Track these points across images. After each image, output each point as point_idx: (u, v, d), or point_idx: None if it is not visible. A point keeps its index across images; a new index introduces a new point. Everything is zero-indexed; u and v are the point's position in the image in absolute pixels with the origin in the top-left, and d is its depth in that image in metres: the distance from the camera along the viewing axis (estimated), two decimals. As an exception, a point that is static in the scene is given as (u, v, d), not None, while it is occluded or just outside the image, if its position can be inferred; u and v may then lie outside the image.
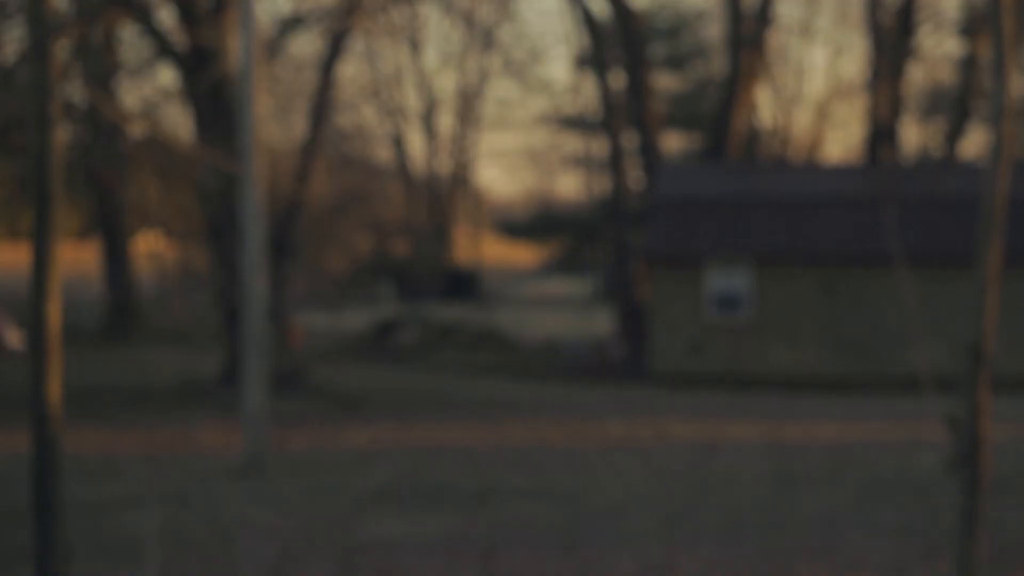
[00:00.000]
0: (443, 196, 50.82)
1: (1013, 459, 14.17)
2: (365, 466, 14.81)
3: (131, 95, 28.30)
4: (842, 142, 73.18)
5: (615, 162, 33.07)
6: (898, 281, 19.64)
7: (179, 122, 27.43)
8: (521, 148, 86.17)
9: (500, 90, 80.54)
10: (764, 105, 43.24)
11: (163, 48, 22.16)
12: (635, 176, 33.38)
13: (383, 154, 51.12)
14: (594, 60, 34.06)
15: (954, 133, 34.75)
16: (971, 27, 33.54)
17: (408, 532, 11.00)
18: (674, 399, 23.06)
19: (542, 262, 53.58)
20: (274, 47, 23.03)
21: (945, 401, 8.10)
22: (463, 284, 48.15)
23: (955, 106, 35.29)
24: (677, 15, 45.07)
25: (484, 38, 45.90)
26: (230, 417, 17.22)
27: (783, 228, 26.41)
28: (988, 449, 7.03)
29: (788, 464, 14.91)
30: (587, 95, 43.46)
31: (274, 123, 30.14)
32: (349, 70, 45.16)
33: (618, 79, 33.24)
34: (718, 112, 33.32)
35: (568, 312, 41.65)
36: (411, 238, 48.33)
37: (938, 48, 42.21)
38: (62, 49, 19.89)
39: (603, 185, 41.77)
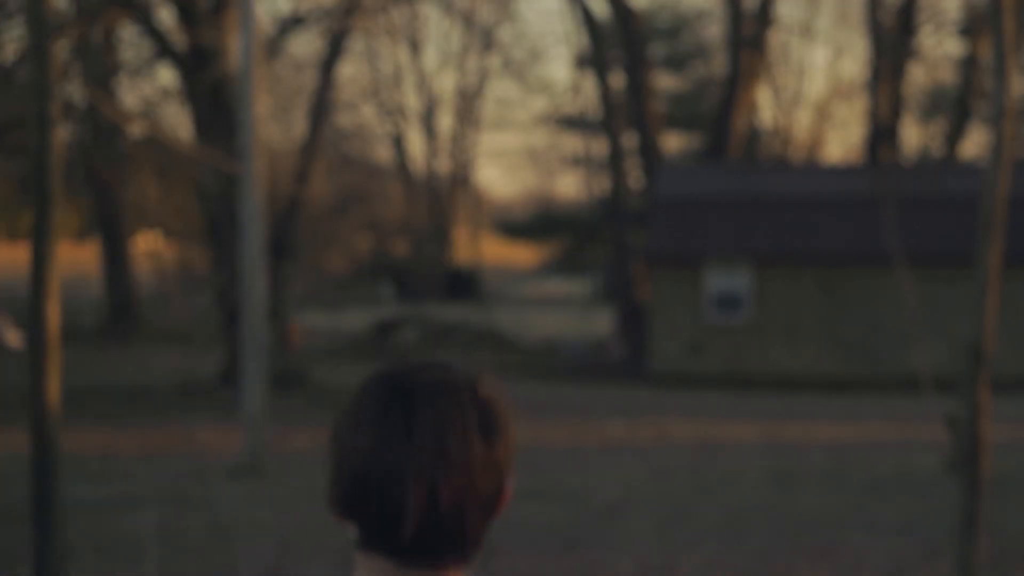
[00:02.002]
0: (443, 196, 50.83)
1: (1013, 459, 14.16)
2: (365, 466, 14.78)
3: (131, 95, 28.33)
4: (842, 142, 73.16)
5: (615, 162, 33.05)
6: (898, 281, 19.62)
7: (179, 122, 27.48)
8: (521, 148, 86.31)
9: (500, 90, 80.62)
10: (764, 105, 43.32)
11: (163, 48, 22.16)
12: (635, 176, 33.37)
13: (383, 154, 51.23)
14: (594, 60, 34.05)
15: (954, 133, 34.72)
16: (971, 27, 33.52)
17: (408, 532, 10.97)
18: (674, 399, 23.05)
19: (542, 262, 53.65)
20: (274, 47, 23.04)
21: (945, 401, 8.10)
22: (463, 284, 48.15)
23: (955, 106, 35.27)
24: (677, 15, 45.10)
25: (484, 38, 45.94)
26: (230, 417, 17.22)
27: (783, 228, 26.39)
28: (988, 449, 7.03)
29: (788, 464, 14.90)
30: (587, 95, 43.46)
31: (274, 123, 30.15)
32: (349, 70, 45.28)
33: (618, 79, 33.23)
34: (718, 112, 33.31)
35: (568, 312, 41.65)
36: (411, 238, 48.34)
37: (938, 48, 42.25)
38: (62, 49, 19.89)
39: (603, 185, 41.75)
